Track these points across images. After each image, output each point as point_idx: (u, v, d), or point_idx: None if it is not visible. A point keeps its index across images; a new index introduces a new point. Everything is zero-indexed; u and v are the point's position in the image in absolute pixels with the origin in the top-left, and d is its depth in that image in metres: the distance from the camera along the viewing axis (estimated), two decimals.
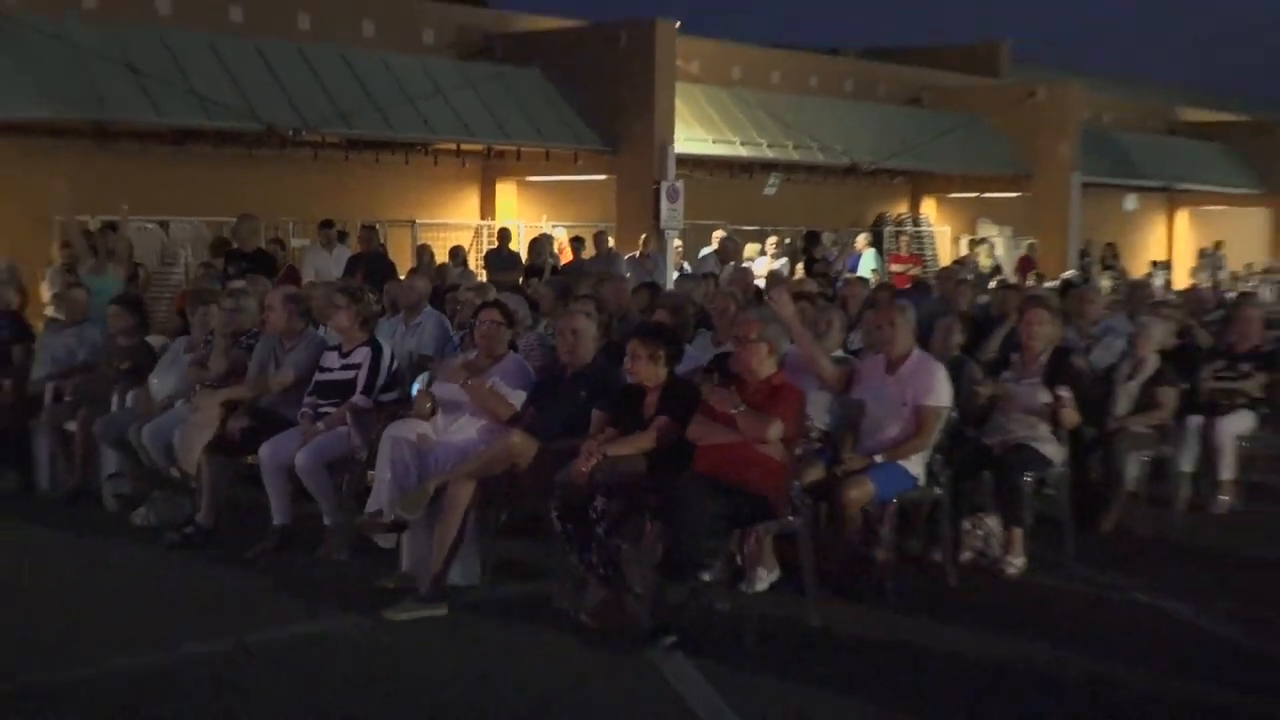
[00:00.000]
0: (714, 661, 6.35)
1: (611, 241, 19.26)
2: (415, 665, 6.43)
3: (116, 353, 10.12)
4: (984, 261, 24.62)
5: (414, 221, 20.89)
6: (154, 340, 10.69)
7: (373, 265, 14.86)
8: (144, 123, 17.34)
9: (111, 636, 6.79)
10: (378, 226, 17.44)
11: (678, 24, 21.89)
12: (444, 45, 22.62)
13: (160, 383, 9.34)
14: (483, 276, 16.09)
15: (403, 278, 11.85)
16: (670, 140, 21.22)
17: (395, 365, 8.79)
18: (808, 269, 20.08)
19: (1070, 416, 8.26)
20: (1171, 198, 33.78)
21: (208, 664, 6.44)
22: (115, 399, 9.75)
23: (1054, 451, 8.40)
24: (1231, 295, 15.09)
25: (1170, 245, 33.18)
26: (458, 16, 24.64)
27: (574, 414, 7.59)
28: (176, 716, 5.76)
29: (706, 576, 7.07)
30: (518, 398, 7.73)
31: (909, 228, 28.27)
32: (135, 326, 10.29)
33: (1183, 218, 34.71)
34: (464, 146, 21.48)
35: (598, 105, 21.42)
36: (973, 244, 26.33)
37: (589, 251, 18.60)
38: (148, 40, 17.55)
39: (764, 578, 7.48)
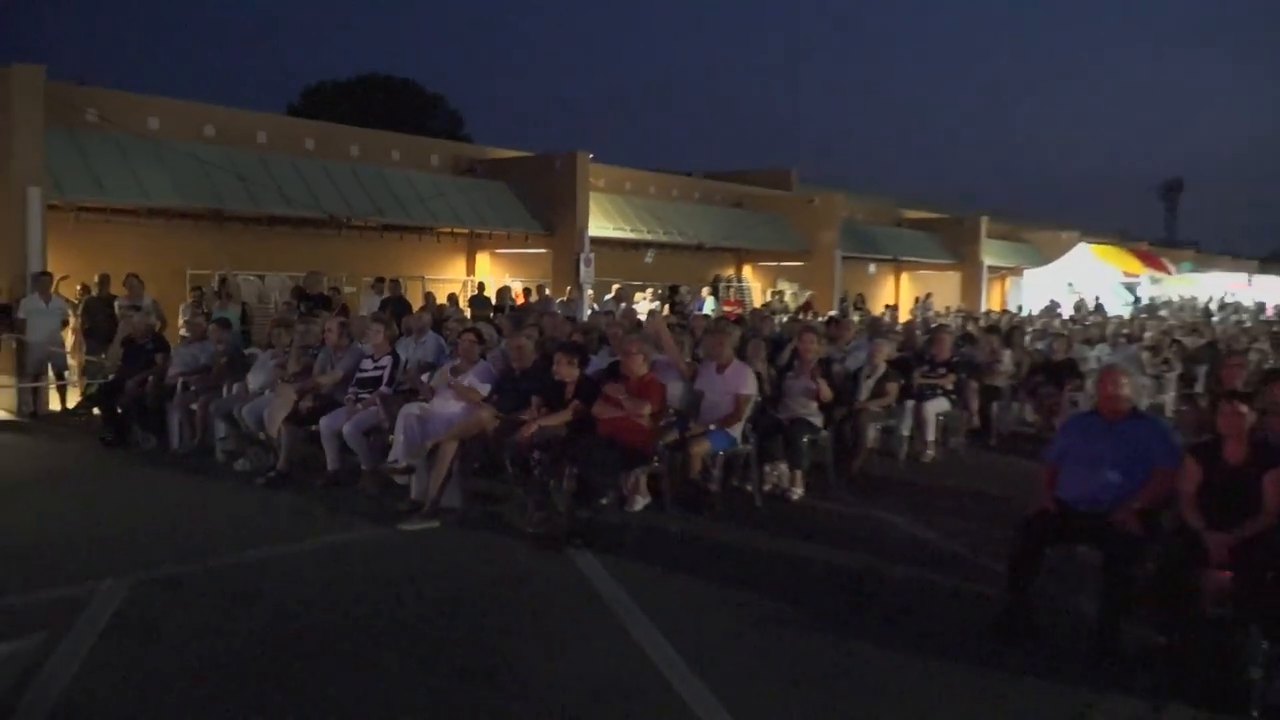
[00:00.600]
0: (609, 555, 6.37)
1: (548, 290, 19.30)
2: (419, 560, 6.39)
3: (219, 355, 10.03)
4: (790, 301, 24.97)
5: (423, 277, 20.67)
6: (252, 351, 10.54)
7: (397, 305, 14.83)
8: (246, 211, 17.12)
9: (222, 542, 6.68)
10: (400, 280, 17.24)
11: (591, 155, 22.11)
12: (445, 166, 22.45)
13: (254, 378, 9.18)
14: (469, 313, 15.96)
15: (415, 312, 11.77)
16: (586, 227, 21.33)
17: (407, 367, 8.71)
18: (671, 309, 20.23)
19: (825, 393, 8.38)
20: (898, 266, 34.25)
21: (283, 561, 6.37)
22: (225, 388, 9.59)
23: (820, 422, 8.54)
24: (934, 325, 15.32)
25: (897, 296, 33.66)
26: (453, 148, 24.64)
27: (522, 398, 7.59)
28: (268, 594, 5.70)
29: (604, 501, 7.10)
30: (485, 389, 7.72)
31: (735, 284, 28.48)
32: (228, 338, 10.28)
33: (905, 279, 35.24)
34: (456, 230, 21.38)
35: (541, 205, 21.46)
36: (774, 294, 26.54)
37: (535, 297, 18.60)
38: (250, 158, 17.35)
39: (640, 502, 7.52)
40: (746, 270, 29.94)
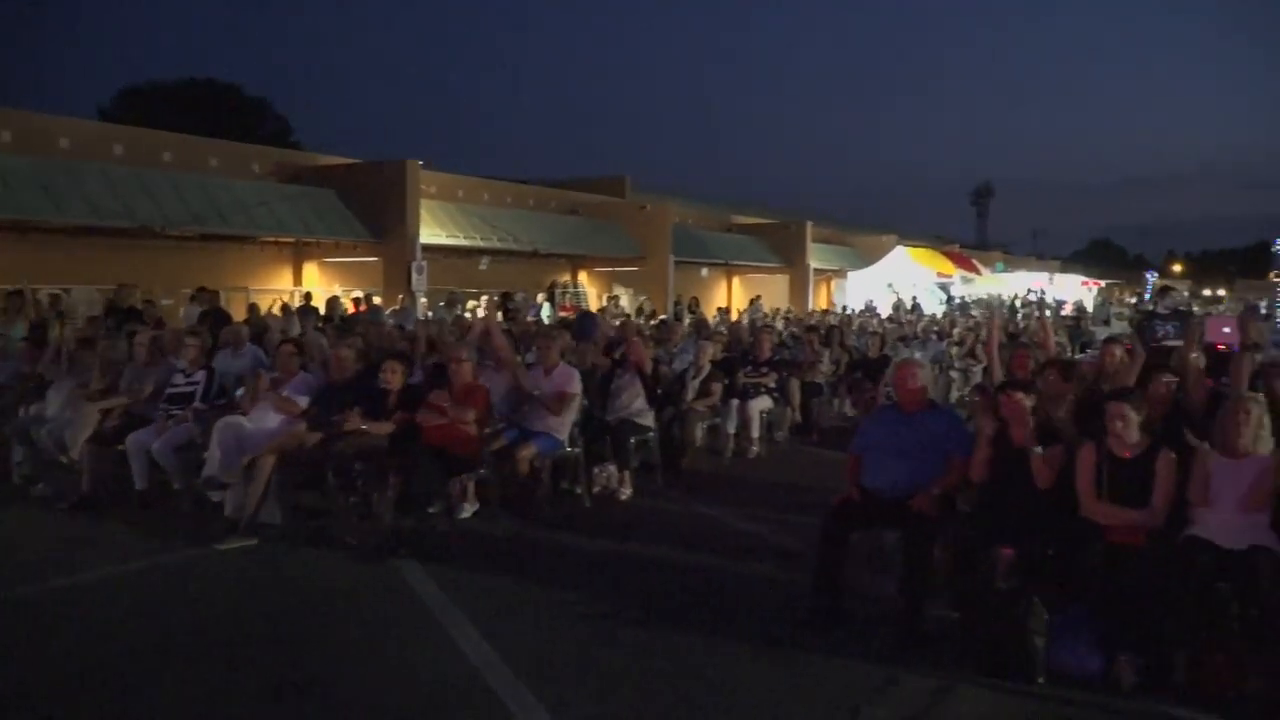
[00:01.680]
0: (436, 564, 6.30)
1: (378, 300, 18.90)
2: (236, 578, 6.15)
3: (21, 376, 9.34)
4: (626, 306, 25.19)
5: (247, 288, 19.91)
6: (49, 369, 9.89)
7: (216, 317, 14.19)
8: (50, 220, 16.13)
9: (24, 571, 6.26)
10: (219, 292, 16.53)
11: (421, 162, 21.84)
12: (267, 173, 21.74)
13: (54, 396, 8.61)
14: (299, 324, 15.43)
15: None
16: (417, 235, 21.07)
17: (222, 381, 8.36)
18: (505, 315, 20.09)
19: (651, 388, 8.51)
20: (729, 270, 35.09)
21: (91, 587, 6.02)
22: (21, 409, 8.96)
23: (649, 421, 8.66)
24: (759, 326, 15.75)
25: (729, 299, 34.46)
26: (276, 154, 23.89)
27: (343, 409, 7.39)
28: (76, 621, 5.40)
29: (432, 509, 7.01)
30: (304, 401, 7.49)
31: (571, 289, 28.56)
32: (35, 358, 9.51)
33: (736, 282, 36.10)
34: (280, 239, 20.75)
35: (370, 213, 21.06)
36: (610, 299, 26.73)
37: (364, 307, 18.18)
38: (53, 166, 16.36)
39: (468, 509, 7.46)
40: (582, 276, 30.07)
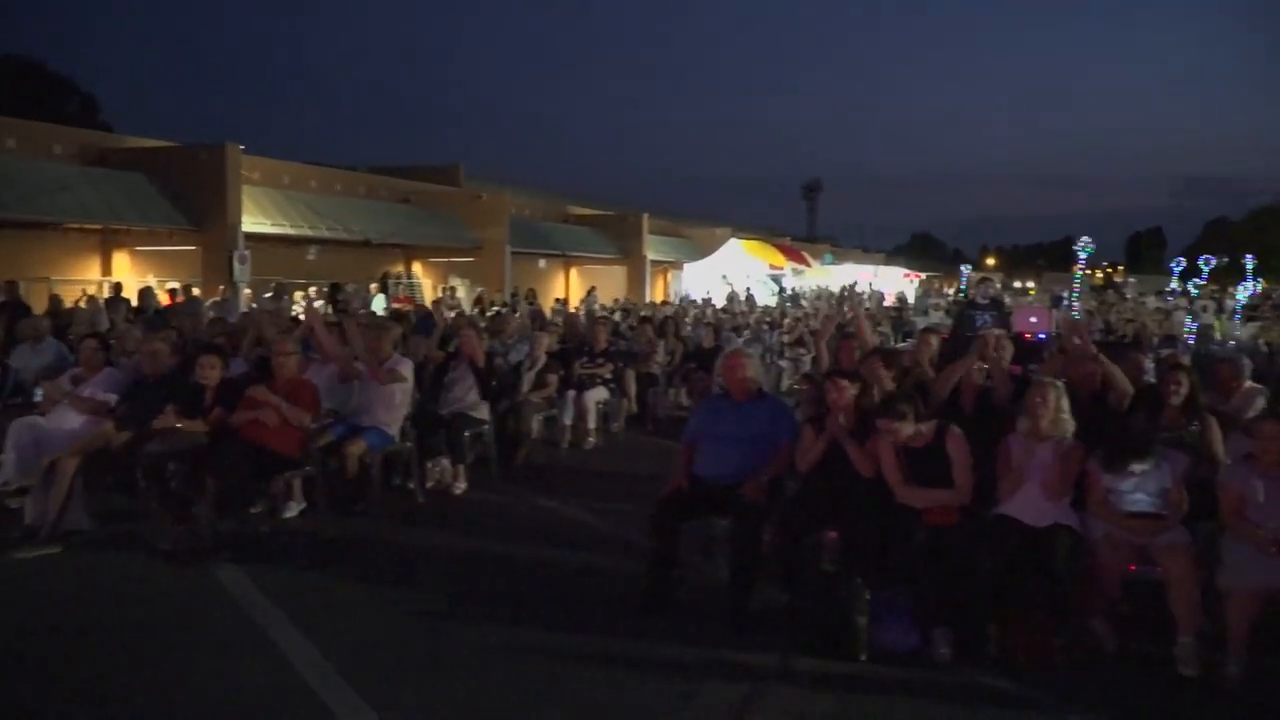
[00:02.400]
0: (258, 567, 6.04)
1: (197, 291, 17.99)
2: (40, 589, 5.73)
3: None
4: (462, 297, 24.83)
5: (49, 279, 18.61)
6: None
7: (15, 310, 13.20)
8: None
9: None
10: (20, 283, 15.37)
11: (243, 147, 20.93)
12: (69, 155, 20.38)
13: None
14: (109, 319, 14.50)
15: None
16: (239, 223, 20.20)
17: (19, 378, 7.78)
18: (334, 307, 19.52)
19: (486, 380, 8.43)
20: (567, 261, 35.10)
21: None
22: None
23: (484, 414, 8.56)
24: (595, 318, 15.81)
25: (567, 290, 34.46)
26: (80, 137, 22.40)
27: (156, 407, 6.99)
28: None
29: (255, 510, 6.73)
30: (110, 398, 7.04)
31: (405, 280, 27.99)
32: None
33: (575, 273, 36.16)
34: (86, 226, 19.50)
35: (187, 198, 20.10)
36: (446, 290, 26.33)
37: (181, 298, 17.27)
38: None
39: (294, 508, 7.20)
40: (416, 267, 29.52)
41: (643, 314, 17.52)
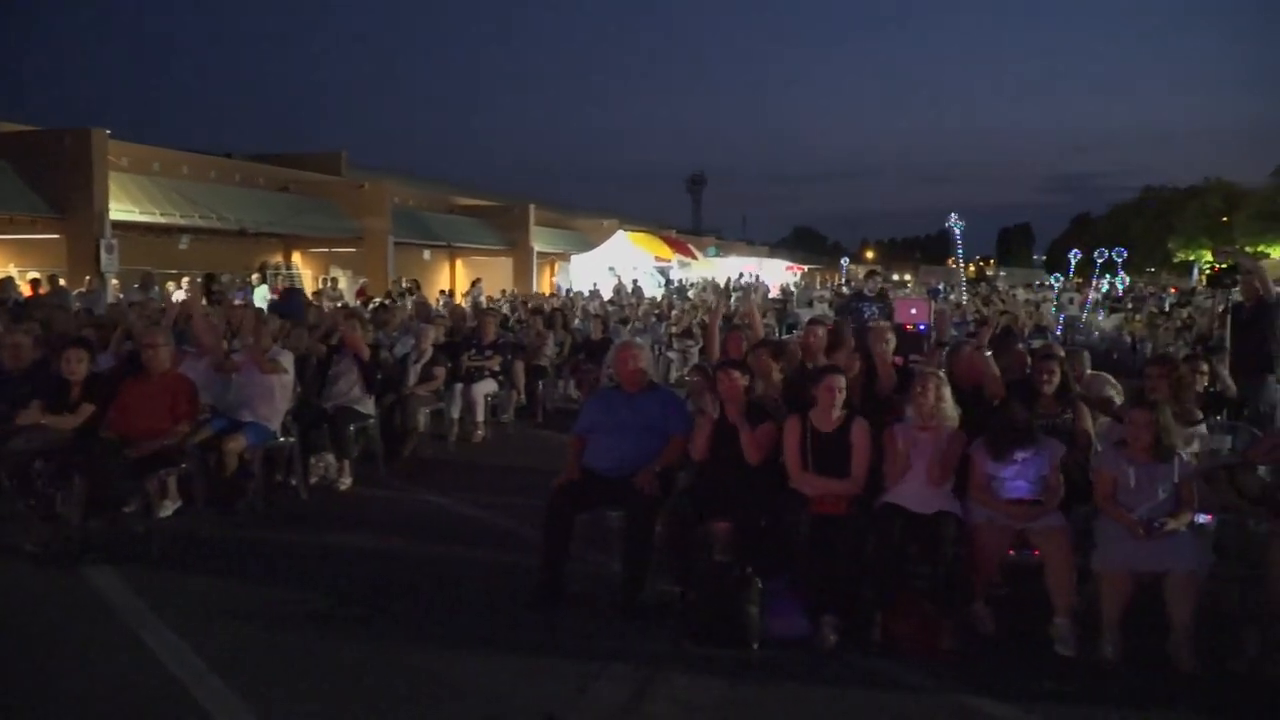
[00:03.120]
0: (132, 568, 5.82)
1: (63, 281, 17.10)
2: None
3: None
4: (344, 288, 24.19)
5: None
6: None
7: None
8: None
9: None
10: None
11: (109, 131, 19.99)
12: None
13: None
14: None
15: None
16: (106, 210, 19.32)
17: None
18: (208, 298, 18.83)
19: (370, 373, 8.28)
20: (452, 252, 34.57)
21: None
22: None
23: (369, 408, 8.39)
24: (483, 309, 15.66)
25: (453, 281, 33.92)
26: None
27: (19, 402, 6.63)
28: None
29: (128, 509, 6.44)
30: None
31: (284, 271, 27.15)
32: None
33: (460, 264, 35.63)
34: None
35: (49, 185, 19.13)
36: (327, 281, 25.66)
37: (46, 288, 16.37)
38: None
39: (169, 507, 6.92)
40: (296, 257, 28.70)
41: (532, 306, 17.44)
